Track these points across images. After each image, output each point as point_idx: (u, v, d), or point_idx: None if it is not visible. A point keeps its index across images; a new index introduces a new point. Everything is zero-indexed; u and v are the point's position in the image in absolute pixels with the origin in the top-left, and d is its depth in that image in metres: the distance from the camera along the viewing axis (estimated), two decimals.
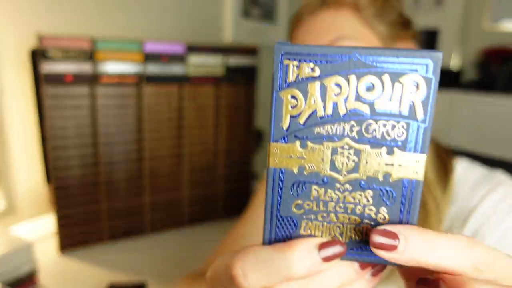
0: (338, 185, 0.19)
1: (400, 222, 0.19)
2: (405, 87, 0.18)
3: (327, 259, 0.18)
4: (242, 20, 1.55)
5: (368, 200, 0.19)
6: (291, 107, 0.19)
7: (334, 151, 0.19)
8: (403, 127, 0.18)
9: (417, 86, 0.18)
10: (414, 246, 0.18)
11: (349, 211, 0.19)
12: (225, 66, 1.06)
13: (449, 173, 0.54)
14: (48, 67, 0.81)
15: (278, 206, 0.20)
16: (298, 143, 0.19)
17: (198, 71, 1.01)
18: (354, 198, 0.19)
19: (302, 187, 0.19)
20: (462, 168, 0.55)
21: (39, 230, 0.96)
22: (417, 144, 0.18)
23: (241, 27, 1.55)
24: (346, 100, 0.18)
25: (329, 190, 0.19)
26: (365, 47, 0.18)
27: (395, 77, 0.18)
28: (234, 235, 0.64)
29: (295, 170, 0.19)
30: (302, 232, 0.20)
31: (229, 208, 1.16)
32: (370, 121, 0.18)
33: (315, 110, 0.19)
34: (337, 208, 0.19)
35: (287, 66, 0.18)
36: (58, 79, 0.83)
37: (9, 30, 0.90)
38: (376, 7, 0.52)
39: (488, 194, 0.50)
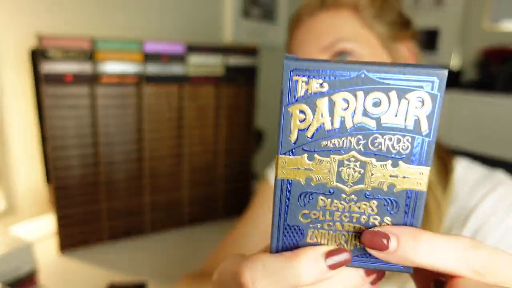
0: (344, 195, 0.20)
1: None
2: (411, 103, 0.18)
3: (333, 267, 0.19)
4: (242, 20, 1.55)
5: (372, 210, 0.20)
6: (299, 121, 0.19)
7: (340, 164, 0.19)
8: (408, 140, 0.19)
9: (423, 102, 0.18)
10: (405, 247, 0.18)
11: (354, 220, 0.20)
12: (225, 66, 1.06)
13: (449, 173, 0.54)
14: (48, 67, 0.81)
15: (286, 215, 0.20)
16: (305, 155, 0.20)
17: (198, 71, 1.01)
18: (359, 208, 0.20)
19: (309, 198, 0.20)
20: (462, 168, 0.55)
21: (39, 230, 0.96)
22: (421, 157, 0.19)
23: (241, 27, 1.55)
24: (353, 114, 0.19)
25: (335, 200, 0.20)
26: (373, 63, 0.18)
27: (402, 93, 0.18)
28: (234, 235, 0.64)
29: (303, 181, 0.20)
30: (308, 240, 0.20)
31: (229, 208, 1.16)
32: (376, 135, 0.19)
33: (323, 124, 0.19)
34: (343, 217, 0.20)
35: (296, 81, 0.19)
36: (58, 79, 0.83)
37: (9, 30, 0.90)
38: (375, 7, 0.52)
39: (488, 194, 0.50)
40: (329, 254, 0.19)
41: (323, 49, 0.52)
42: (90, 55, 0.86)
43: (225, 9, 1.48)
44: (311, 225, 0.20)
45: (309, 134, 0.19)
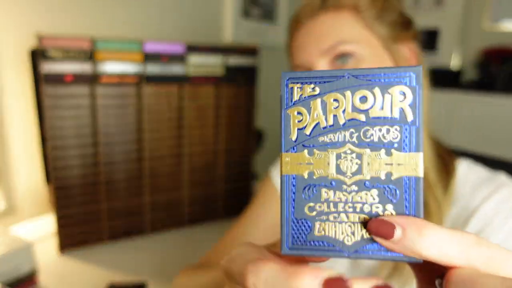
0: (345, 186, 0.21)
1: None
2: (394, 96, 0.20)
3: None
4: (242, 20, 1.55)
5: (374, 199, 0.21)
6: (298, 121, 0.22)
7: (338, 156, 0.21)
8: (396, 130, 0.21)
9: (404, 95, 0.20)
10: (410, 237, 0.19)
11: (358, 210, 0.21)
12: (225, 66, 1.06)
13: (450, 174, 0.54)
14: (48, 67, 0.81)
15: (293, 209, 0.22)
16: (306, 151, 0.22)
17: (198, 71, 1.01)
18: (361, 198, 0.21)
19: (312, 190, 0.22)
20: (464, 169, 0.55)
21: (39, 230, 0.96)
22: (411, 144, 0.20)
23: (241, 27, 1.55)
24: (344, 111, 0.21)
25: (337, 192, 0.21)
26: (356, 68, 0.21)
27: (384, 89, 0.21)
28: (234, 233, 0.64)
29: (305, 175, 0.22)
30: (316, 233, 0.21)
31: (229, 208, 1.16)
32: (367, 127, 0.21)
33: (318, 122, 0.21)
34: (347, 208, 0.21)
35: (292, 88, 0.22)
36: (58, 79, 0.83)
37: (9, 30, 0.90)
38: (376, 8, 0.52)
39: (490, 196, 0.50)
40: (327, 283, 0.19)
41: (323, 52, 0.52)
42: (90, 55, 0.86)
43: (225, 9, 1.48)
44: (317, 218, 0.21)
45: (307, 131, 0.21)
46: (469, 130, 1.74)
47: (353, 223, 0.21)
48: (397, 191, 0.20)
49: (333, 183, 0.21)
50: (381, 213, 0.21)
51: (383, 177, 0.21)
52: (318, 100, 0.21)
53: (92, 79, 0.87)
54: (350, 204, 0.21)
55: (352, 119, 0.21)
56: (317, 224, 0.21)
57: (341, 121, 0.21)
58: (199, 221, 1.11)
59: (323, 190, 0.21)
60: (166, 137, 1.01)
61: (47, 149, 0.85)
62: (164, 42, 0.95)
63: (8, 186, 0.95)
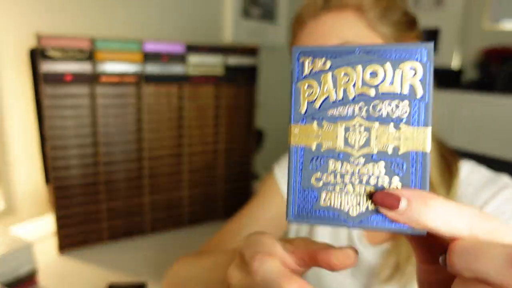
0: (352, 158, 0.21)
1: None
2: (405, 72, 0.21)
3: None
4: (242, 20, 1.55)
5: (380, 171, 0.21)
6: (308, 95, 0.22)
7: (347, 129, 0.22)
8: (406, 105, 0.21)
9: (415, 71, 0.21)
10: (416, 208, 0.19)
11: (364, 182, 0.21)
12: (225, 66, 1.06)
13: (453, 175, 0.54)
14: (47, 67, 0.81)
15: (300, 179, 0.22)
16: (315, 123, 0.22)
17: (198, 71, 1.01)
18: (367, 170, 0.21)
19: (320, 161, 0.22)
20: (467, 170, 0.55)
21: (39, 230, 0.96)
22: (420, 118, 0.21)
23: (241, 27, 1.55)
24: (354, 86, 0.21)
25: (344, 163, 0.22)
26: (368, 44, 0.21)
27: (395, 64, 0.21)
28: (234, 224, 0.66)
29: (313, 147, 0.22)
30: (322, 203, 0.22)
31: (229, 208, 1.16)
32: (377, 101, 0.21)
33: (328, 95, 0.22)
34: (353, 180, 0.22)
35: (303, 62, 0.22)
36: (57, 79, 0.83)
37: (9, 30, 0.90)
38: (380, 8, 0.51)
39: (493, 197, 0.50)
40: None
41: None
42: (90, 55, 0.86)
43: (225, 9, 1.48)
44: (323, 188, 0.22)
45: (317, 105, 0.22)
46: (469, 130, 1.74)
47: (359, 194, 0.21)
48: (404, 165, 0.21)
49: (341, 155, 0.22)
50: (387, 185, 0.21)
51: (390, 151, 0.21)
52: (329, 74, 0.22)
53: (92, 79, 0.87)
54: (356, 176, 0.21)
55: (362, 93, 0.21)
56: (323, 194, 0.22)
57: (351, 95, 0.21)
58: (199, 221, 1.11)
59: (331, 161, 0.22)
60: (166, 137, 1.01)
61: (46, 149, 0.85)
62: (164, 42, 0.95)
63: (8, 186, 0.95)
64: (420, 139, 0.20)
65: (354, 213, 0.21)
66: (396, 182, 0.21)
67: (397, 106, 0.21)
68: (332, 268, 0.22)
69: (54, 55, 0.81)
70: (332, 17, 0.51)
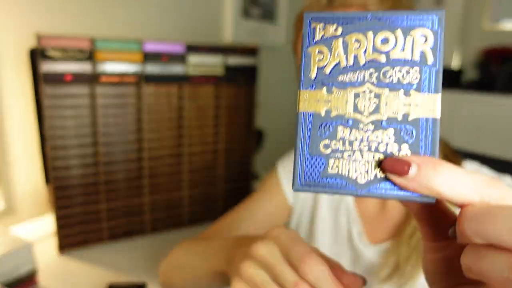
0: (361, 125, 0.21)
1: None
2: (416, 39, 0.21)
3: None
4: (242, 20, 1.55)
5: (390, 138, 0.21)
6: (318, 60, 0.22)
7: (356, 95, 0.21)
8: (416, 71, 0.21)
9: (426, 37, 0.21)
10: (425, 174, 0.19)
11: (373, 149, 0.21)
12: (225, 66, 1.06)
13: None
14: (47, 67, 0.81)
15: (308, 146, 0.22)
16: (324, 88, 0.22)
17: (198, 71, 1.01)
18: (377, 137, 0.21)
19: (329, 128, 0.22)
20: None
21: (39, 230, 0.96)
22: (430, 85, 0.20)
23: (241, 27, 1.55)
24: (365, 52, 0.21)
25: (353, 130, 0.21)
26: (379, 10, 0.21)
27: (407, 31, 0.21)
28: (233, 217, 0.67)
29: (322, 113, 0.22)
30: (330, 170, 0.22)
31: (229, 208, 1.16)
32: (387, 68, 0.21)
33: (339, 61, 0.22)
34: (362, 147, 0.21)
35: (314, 28, 0.22)
36: (57, 79, 0.83)
37: (9, 30, 0.90)
38: (385, 7, 0.51)
39: None
40: None
41: None
42: (90, 55, 0.86)
43: (225, 9, 1.48)
44: (332, 155, 0.22)
45: (327, 70, 0.22)
46: (469, 130, 1.74)
47: (368, 161, 0.21)
48: (414, 132, 0.20)
49: (350, 121, 0.21)
50: (396, 152, 0.21)
51: (400, 117, 0.21)
52: (340, 40, 0.21)
53: (92, 79, 0.87)
54: (365, 143, 0.21)
55: (373, 59, 0.21)
56: (331, 162, 0.21)
57: (362, 62, 0.21)
58: (199, 221, 1.11)
59: (340, 128, 0.21)
60: (166, 137, 1.01)
61: (46, 149, 0.85)
62: (164, 42, 0.95)
63: (8, 186, 0.95)
64: (430, 106, 0.20)
65: (362, 180, 0.21)
66: (405, 149, 0.21)
67: (407, 73, 0.21)
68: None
69: (54, 55, 0.81)
70: None
